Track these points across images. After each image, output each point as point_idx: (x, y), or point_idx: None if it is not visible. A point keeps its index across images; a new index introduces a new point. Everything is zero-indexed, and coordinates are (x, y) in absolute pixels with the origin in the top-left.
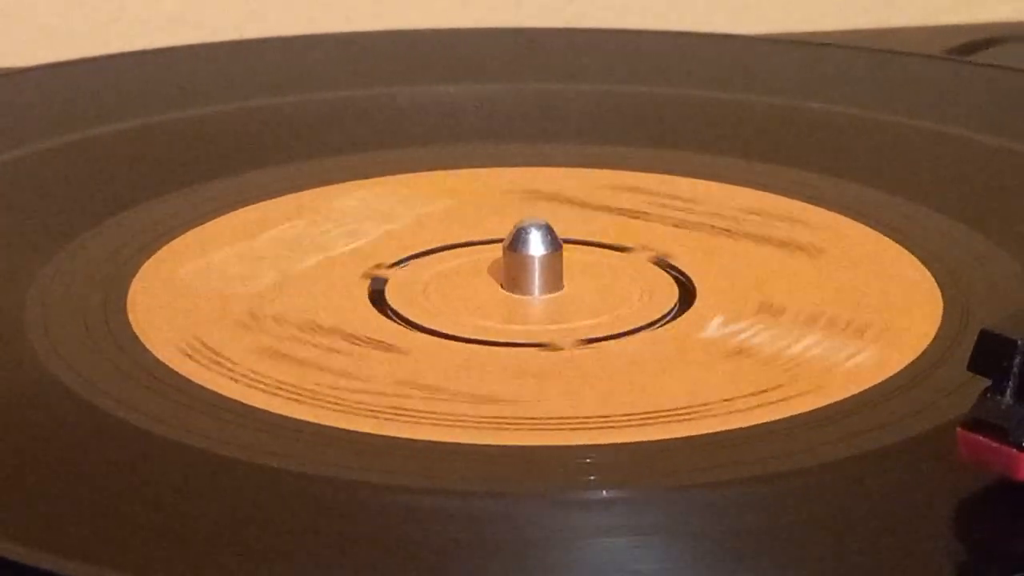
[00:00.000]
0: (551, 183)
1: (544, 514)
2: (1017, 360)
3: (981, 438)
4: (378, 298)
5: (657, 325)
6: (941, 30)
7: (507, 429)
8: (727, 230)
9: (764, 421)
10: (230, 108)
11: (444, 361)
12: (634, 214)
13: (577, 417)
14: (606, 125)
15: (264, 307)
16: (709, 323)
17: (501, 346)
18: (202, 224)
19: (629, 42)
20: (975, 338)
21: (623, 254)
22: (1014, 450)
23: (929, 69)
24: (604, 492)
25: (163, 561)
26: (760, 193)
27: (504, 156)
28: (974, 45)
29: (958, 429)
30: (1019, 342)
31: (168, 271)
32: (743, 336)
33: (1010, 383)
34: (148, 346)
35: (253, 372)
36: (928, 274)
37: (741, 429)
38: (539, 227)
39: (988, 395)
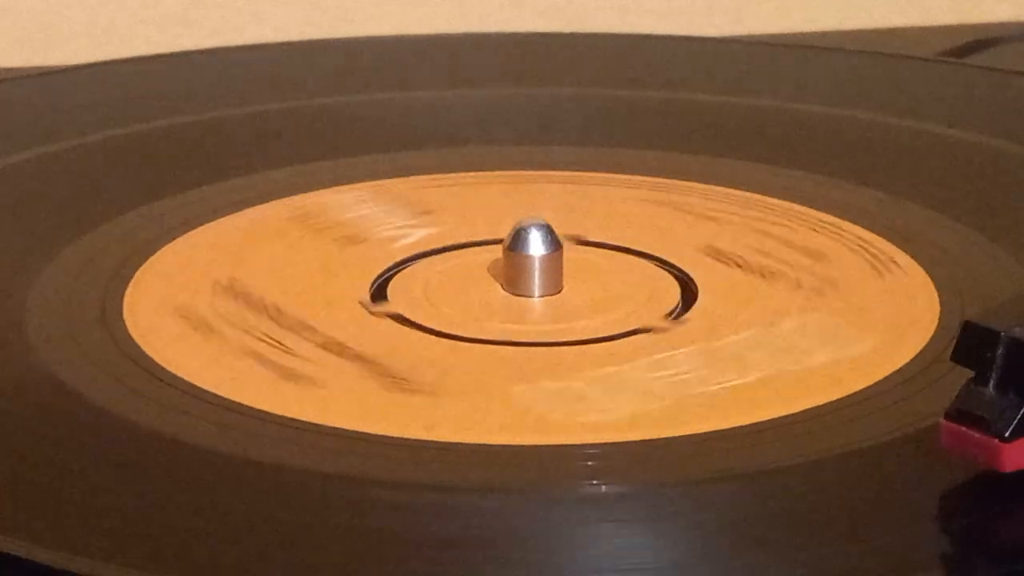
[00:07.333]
0: (552, 184)
1: (544, 512)
2: (1000, 351)
3: (964, 429)
4: (379, 298)
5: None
6: (940, 30)
7: (508, 428)
8: (726, 230)
9: (762, 419)
10: (230, 112)
11: (444, 360)
12: (636, 216)
13: (578, 416)
14: (606, 128)
15: (262, 308)
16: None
17: (501, 345)
18: (200, 227)
19: (628, 46)
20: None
21: (624, 254)
22: (996, 440)
23: (925, 71)
24: (603, 488)
25: (163, 559)
26: (758, 196)
27: (505, 158)
28: (973, 45)
29: (941, 420)
30: (1002, 333)
31: (166, 273)
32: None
33: (993, 374)
34: (145, 347)
35: (252, 371)
36: (926, 274)
37: (740, 427)
38: (539, 227)
39: (971, 386)
